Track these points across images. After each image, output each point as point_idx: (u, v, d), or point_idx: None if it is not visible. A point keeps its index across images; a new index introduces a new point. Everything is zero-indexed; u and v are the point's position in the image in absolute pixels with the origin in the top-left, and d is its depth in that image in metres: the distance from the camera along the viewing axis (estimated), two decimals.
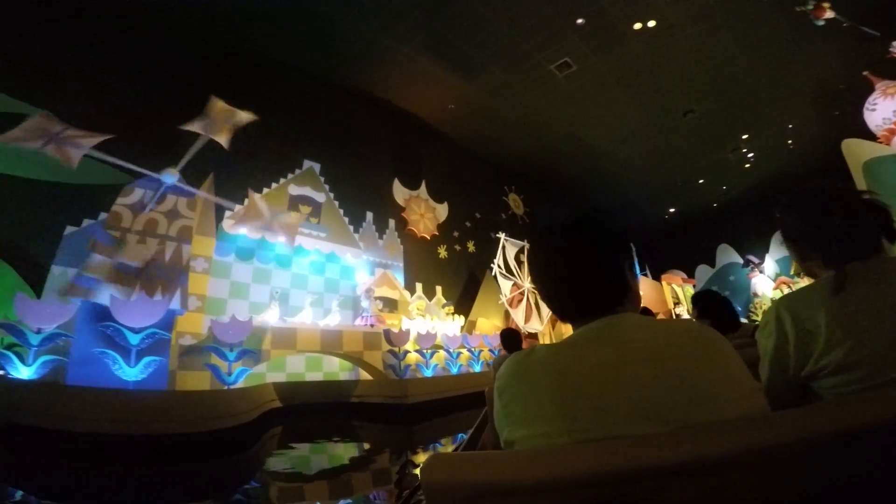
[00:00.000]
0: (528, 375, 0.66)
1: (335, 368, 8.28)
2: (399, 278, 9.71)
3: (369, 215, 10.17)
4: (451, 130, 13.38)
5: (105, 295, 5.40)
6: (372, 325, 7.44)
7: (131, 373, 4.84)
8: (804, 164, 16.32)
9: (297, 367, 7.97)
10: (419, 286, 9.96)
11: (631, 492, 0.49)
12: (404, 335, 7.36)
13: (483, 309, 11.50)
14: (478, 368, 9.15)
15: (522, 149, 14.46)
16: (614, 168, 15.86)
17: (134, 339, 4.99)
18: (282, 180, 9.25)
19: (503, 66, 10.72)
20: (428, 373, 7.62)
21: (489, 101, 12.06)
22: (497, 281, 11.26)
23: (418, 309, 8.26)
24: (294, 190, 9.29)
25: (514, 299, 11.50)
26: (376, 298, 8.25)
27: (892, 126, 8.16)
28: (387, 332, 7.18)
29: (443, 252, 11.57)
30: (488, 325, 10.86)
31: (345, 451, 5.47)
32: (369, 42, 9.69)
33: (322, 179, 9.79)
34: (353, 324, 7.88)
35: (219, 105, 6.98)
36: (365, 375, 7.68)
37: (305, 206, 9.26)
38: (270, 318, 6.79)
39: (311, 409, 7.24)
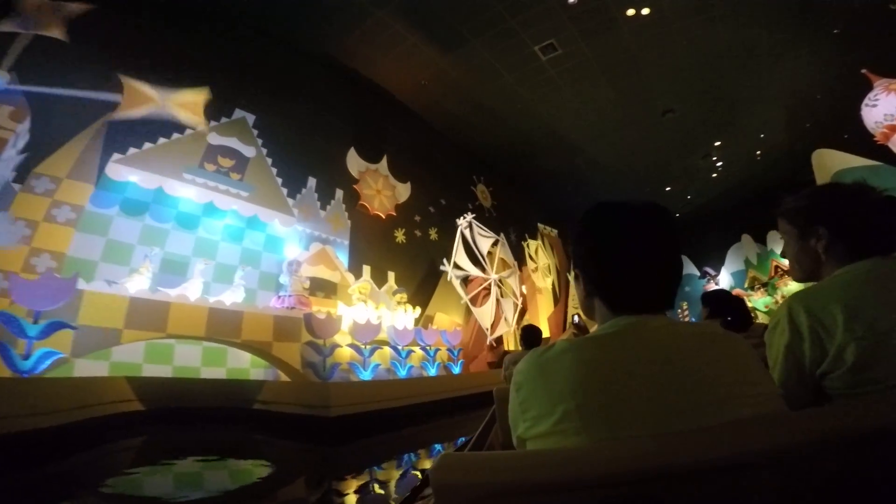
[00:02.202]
0: (549, 370, 0.60)
1: (245, 364, 5.94)
2: (342, 258, 7.54)
3: (312, 181, 7.97)
4: (422, 109, 11.50)
5: None
6: (291, 308, 5.22)
7: None
8: (767, 177, 15.79)
9: (190, 360, 5.60)
10: (367, 269, 7.82)
11: (646, 492, 0.45)
12: (333, 323, 5.20)
13: (443, 303, 9.48)
14: (433, 371, 7.09)
15: (496, 137, 12.80)
16: (587, 167, 14.48)
17: None
18: (200, 127, 6.94)
19: (486, 42, 9.10)
20: (365, 375, 5.46)
21: (466, 81, 10.35)
22: (452, 281, 9.27)
23: (360, 292, 6.13)
24: (215, 139, 6.99)
25: (480, 295, 9.55)
26: (303, 276, 6.03)
27: (894, 123, 7.01)
28: (308, 318, 4.99)
29: (400, 236, 9.49)
30: (448, 321, 8.84)
31: (232, 477, 3.48)
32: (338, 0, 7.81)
33: (255, 133, 7.54)
34: (269, 305, 5.61)
35: None
36: (285, 377, 5.41)
37: (226, 159, 6.96)
38: (135, 285, 4.44)
39: (198, 416, 4.96)
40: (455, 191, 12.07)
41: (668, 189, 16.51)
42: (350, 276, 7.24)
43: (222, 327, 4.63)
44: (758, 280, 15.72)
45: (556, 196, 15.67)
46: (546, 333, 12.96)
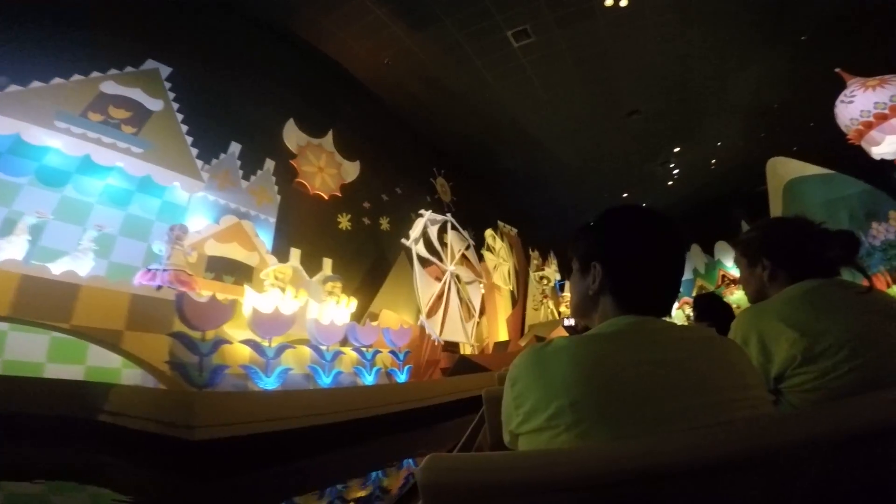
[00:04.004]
0: (546, 365, 0.58)
1: (115, 363, 4.36)
2: (265, 237, 6.08)
3: (235, 147, 6.48)
4: (381, 90, 10.24)
5: None
6: (160, 287, 3.74)
7: None
8: (720, 188, 15.80)
9: (30, 353, 3.99)
10: (295, 253, 6.39)
11: (634, 493, 0.44)
12: (219, 310, 3.74)
13: (391, 299, 8.15)
14: (370, 379, 5.68)
15: (460, 127, 11.75)
16: (549, 167, 13.69)
17: None
18: (94, 73, 5.39)
19: (458, 22, 8.12)
20: (268, 382, 4.03)
21: (434, 63, 9.29)
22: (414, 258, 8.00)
23: (277, 277, 4.71)
24: (111, 87, 5.43)
25: (431, 271, 8.38)
26: (189, 247, 4.55)
27: (871, 119, 6.52)
28: (181, 301, 3.51)
29: (345, 221, 8.11)
30: (396, 319, 7.47)
31: None
32: None
33: (167, 86, 6.02)
34: (136, 282, 4.07)
35: None
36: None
37: (120, 110, 5.40)
38: None
39: (26, 427, 3.44)
40: (413, 181, 10.81)
41: (625, 195, 16.10)
42: (272, 259, 5.80)
43: (40, 304, 3.10)
44: (705, 289, 15.70)
45: (516, 195, 14.79)
46: (504, 336, 11.89)
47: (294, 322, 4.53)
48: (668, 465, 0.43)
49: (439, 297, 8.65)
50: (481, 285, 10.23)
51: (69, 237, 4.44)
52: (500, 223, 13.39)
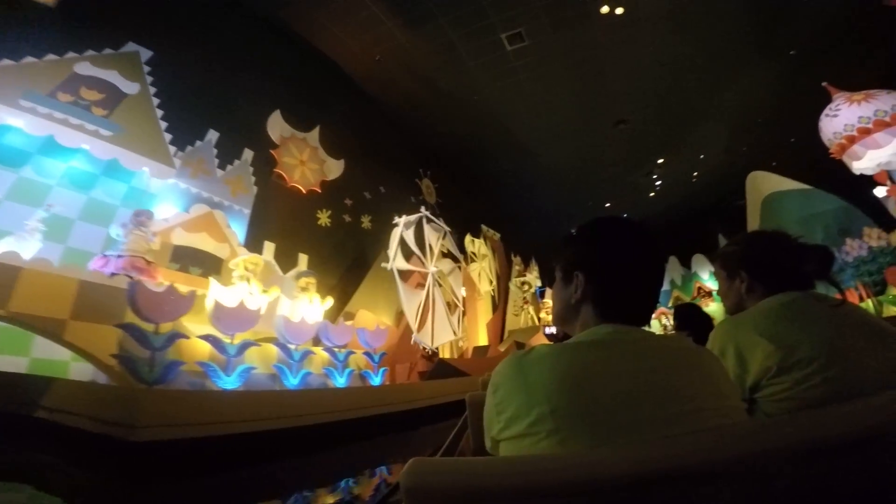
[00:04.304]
0: (528, 372, 0.58)
1: (64, 356, 4.05)
2: (238, 230, 5.83)
3: (213, 135, 6.23)
4: (371, 87, 10.09)
5: None
6: (112, 275, 3.49)
7: None
8: (699, 201, 16.02)
9: None
10: (269, 247, 6.15)
11: (612, 500, 0.44)
12: (176, 301, 3.50)
13: (370, 300, 7.95)
14: (342, 382, 5.45)
15: (449, 129, 11.65)
16: (535, 175, 13.70)
17: None
18: (70, 53, 5.13)
19: (454, 21, 8.08)
20: (228, 382, 3.79)
21: (426, 62, 9.19)
22: (396, 276, 7.79)
23: (246, 268, 4.47)
24: (85, 69, 5.19)
25: (413, 278, 8.20)
26: (151, 232, 4.29)
27: (854, 133, 6.61)
28: (133, 289, 3.26)
29: (324, 218, 7.89)
30: (373, 320, 7.26)
31: None
32: None
33: (146, 70, 5.77)
34: (89, 268, 3.80)
35: None
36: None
37: (92, 92, 5.13)
38: None
39: None
40: (398, 181, 10.63)
41: (607, 205, 16.20)
42: (244, 252, 5.54)
43: None
44: (681, 300, 15.89)
45: (501, 201, 14.74)
46: (483, 341, 11.75)
47: (259, 317, 4.30)
48: (644, 472, 0.44)
49: (425, 304, 8.50)
50: (461, 269, 10.12)
51: (19, 219, 4.16)
52: (484, 227, 13.31)
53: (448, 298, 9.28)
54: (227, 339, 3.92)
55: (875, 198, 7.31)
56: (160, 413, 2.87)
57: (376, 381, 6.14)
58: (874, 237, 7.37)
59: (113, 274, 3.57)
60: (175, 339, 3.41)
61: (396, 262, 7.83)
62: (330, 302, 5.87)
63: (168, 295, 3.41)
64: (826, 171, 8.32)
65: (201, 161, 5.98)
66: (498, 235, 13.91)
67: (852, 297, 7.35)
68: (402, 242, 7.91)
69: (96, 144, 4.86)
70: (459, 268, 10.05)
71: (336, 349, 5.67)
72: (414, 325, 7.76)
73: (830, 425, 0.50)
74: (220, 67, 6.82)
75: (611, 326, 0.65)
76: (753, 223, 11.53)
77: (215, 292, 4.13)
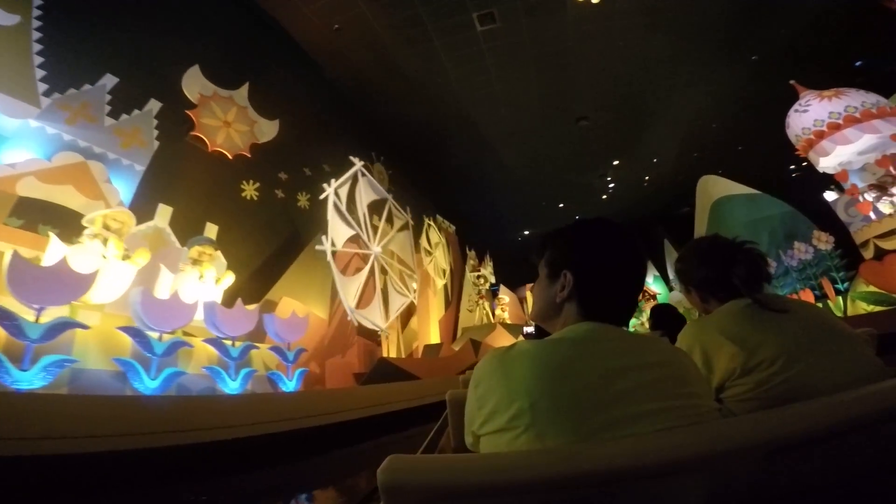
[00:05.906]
0: (509, 367, 0.59)
1: None
2: (122, 187, 4.71)
3: (108, 80, 5.09)
4: (324, 57, 9.15)
5: None
6: None
7: None
8: (648, 207, 16.15)
9: None
10: (164, 211, 5.08)
11: (587, 495, 0.45)
12: None
13: (298, 287, 6.95)
14: (234, 387, 4.26)
15: (408, 114, 10.89)
16: (493, 169, 13.17)
17: None
18: None
19: None
20: (25, 380, 2.73)
21: (389, 35, 8.40)
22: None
23: (105, 226, 3.42)
24: None
25: (352, 264, 7.30)
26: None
27: (824, 129, 6.47)
28: None
29: (250, 189, 6.83)
30: (301, 311, 6.22)
31: None
32: None
33: (37, 3, 4.63)
34: None
35: None
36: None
37: None
38: None
39: None
40: (345, 161, 9.67)
41: (560, 206, 16.03)
42: (125, 215, 4.45)
43: None
44: None
45: (457, 193, 14.08)
46: (436, 339, 10.98)
47: (88, 286, 3.16)
48: (617, 468, 0.45)
49: (368, 284, 7.62)
50: (409, 227, 9.46)
51: None
52: (439, 217, 12.57)
53: (397, 273, 8.55)
54: (29, 318, 2.82)
55: (821, 202, 7.25)
56: None
57: (290, 386, 5.01)
58: (822, 241, 7.33)
59: None
60: None
61: (334, 239, 6.96)
62: (231, 278, 4.85)
63: None
64: (773, 176, 8.28)
65: (86, 105, 4.83)
66: (453, 228, 13.22)
67: (807, 296, 7.24)
68: (340, 214, 7.05)
69: None
70: (408, 225, 9.42)
71: (229, 341, 4.56)
72: (352, 303, 6.88)
73: (790, 424, 0.51)
74: (131, 8, 5.68)
75: (591, 324, 0.65)
76: (701, 227, 11.54)
77: (54, 252, 3.07)
